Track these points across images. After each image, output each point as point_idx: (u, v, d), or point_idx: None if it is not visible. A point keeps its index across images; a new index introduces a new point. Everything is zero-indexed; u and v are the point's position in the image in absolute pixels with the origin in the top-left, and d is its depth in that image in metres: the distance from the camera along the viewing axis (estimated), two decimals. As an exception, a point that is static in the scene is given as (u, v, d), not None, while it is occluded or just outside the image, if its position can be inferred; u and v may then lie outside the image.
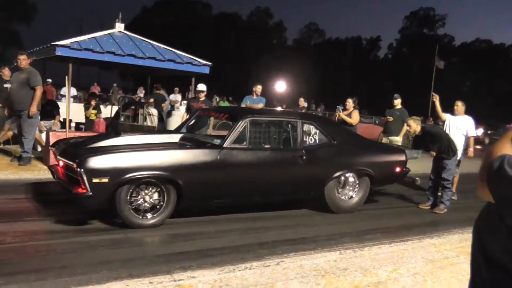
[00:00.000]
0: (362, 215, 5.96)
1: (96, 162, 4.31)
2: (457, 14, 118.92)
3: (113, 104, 13.60)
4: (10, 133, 8.45)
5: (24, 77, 7.34)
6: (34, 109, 7.28)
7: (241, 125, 5.17)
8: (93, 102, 10.62)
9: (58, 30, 68.15)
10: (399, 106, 9.16)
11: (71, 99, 13.03)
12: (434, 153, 6.54)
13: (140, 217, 4.56)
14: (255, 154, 5.27)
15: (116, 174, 4.33)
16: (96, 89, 20.45)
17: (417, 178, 6.69)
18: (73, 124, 9.72)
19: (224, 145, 4.98)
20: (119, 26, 9.77)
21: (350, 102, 8.58)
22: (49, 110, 9.23)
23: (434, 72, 30.02)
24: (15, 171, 7.00)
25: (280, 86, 27.55)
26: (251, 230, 4.93)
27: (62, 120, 9.80)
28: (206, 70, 9.96)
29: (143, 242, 4.28)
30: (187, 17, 55.20)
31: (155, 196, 4.63)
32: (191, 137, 5.64)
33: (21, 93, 7.33)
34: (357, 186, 5.99)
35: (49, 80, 15.92)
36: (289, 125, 5.78)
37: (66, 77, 8.71)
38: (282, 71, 37.78)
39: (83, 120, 10.67)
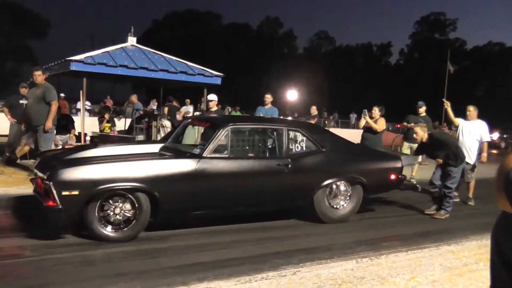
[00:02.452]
0: (376, 223, 5.91)
1: (66, 174, 4.22)
2: (468, 18, 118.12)
3: (127, 117, 13.72)
4: (26, 148, 8.57)
5: (40, 92, 7.46)
6: (49, 123, 7.38)
7: (222, 133, 5.03)
8: (106, 116, 10.75)
9: (70, 45, 69.28)
10: (423, 114, 9.16)
11: (86, 113, 13.18)
12: (441, 160, 6.42)
13: (112, 230, 4.41)
14: (237, 163, 5.09)
15: (87, 186, 4.21)
16: (109, 102, 20.69)
17: (417, 186, 6.56)
18: (88, 138, 9.84)
19: (203, 155, 4.83)
20: (132, 40, 9.92)
21: (376, 111, 8.59)
22: (64, 124, 9.37)
23: (446, 77, 29.79)
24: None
25: (292, 95, 27.59)
26: (264, 240, 4.90)
27: (77, 134, 9.93)
28: (218, 81, 10.04)
29: (157, 254, 4.28)
30: (197, 28, 55.70)
31: (129, 208, 4.47)
32: (173, 147, 5.53)
33: (37, 108, 7.44)
34: (349, 195, 5.78)
35: (62, 94, 16.14)
36: (274, 133, 5.58)
37: (81, 91, 8.85)
38: (293, 80, 37.88)
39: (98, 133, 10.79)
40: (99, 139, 10.06)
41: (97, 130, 10.82)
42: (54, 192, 4.12)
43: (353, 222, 5.87)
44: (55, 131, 7.97)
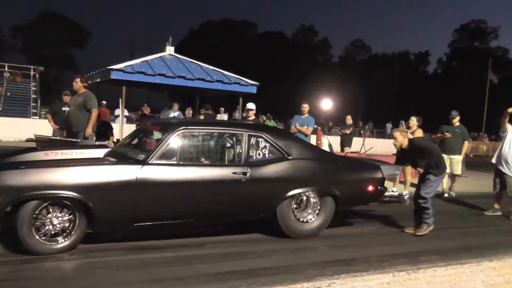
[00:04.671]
0: (415, 236, 5.76)
1: None
2: (511, 26, 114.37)
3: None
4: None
5: (81, 100, 7.70)
6: (89, 130, 7.60)
7: (171, 138, 4.64)
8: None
9: (109, 53, 71.42)
10: (458, 123, 8.95)
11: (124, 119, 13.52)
12: (421, 170, 5.79)
13: (46, 241, 4.11)
14: (186, 171, 4.65)
15: (9, 192, 3.91)
16: (146, 110, 21.17)
17: (406, 198, 5.95)
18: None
19: (147, 161, 4.46)
20: (169, 49, 10.13)
21: (413, 120, 8.44)
22: (104, 131, 9.62)
23: (488, 87, 28.89)
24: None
25: (326, 104, 27.36)
26: (300, 250, 4.86)
27: (115, 140, 10.18)
28: (253, 90, 10.11)
29: (193, 260, 4.32)
30: (233, 37, 56.30)
31: (65, 218, 4.19)
32: (120, 152, 5.10)
33: (78, 115, 7.68)
34: (318, 207, 5.31)
35: (104, 102, 16.64)
36: (232, 138, 5.10)
37: (120, 99, 9.10)
38: (327, 89, 37.57)
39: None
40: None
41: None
42: None
43: (391, 234, 5.76)
44: (94, 138, 8.19)
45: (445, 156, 9.01)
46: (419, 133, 8.33)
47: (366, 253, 4.89)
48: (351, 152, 12.37)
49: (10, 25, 54.25)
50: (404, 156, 6.02)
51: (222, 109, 18.91)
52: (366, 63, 61.22)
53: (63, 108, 9.31)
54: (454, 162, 9.00)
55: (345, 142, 13.00)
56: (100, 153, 5.22)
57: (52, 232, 4.15)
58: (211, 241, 4.97)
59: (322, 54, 63.68)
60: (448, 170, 9.07)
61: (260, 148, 5.07)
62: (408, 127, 8.41)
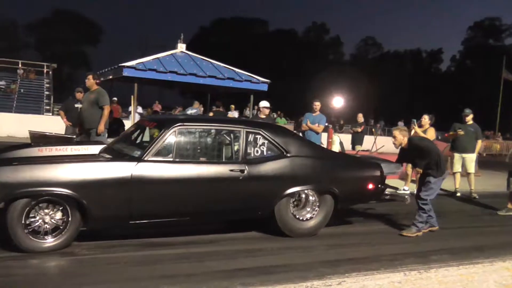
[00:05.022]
0: (427, 235, 5.71)
1: None
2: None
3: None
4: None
5: (93, 97, 7.77)
6: (102, 127, 7.66)
7: (167, 134, 4.57)
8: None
9: (121, 50, 71.88)
10: (471, 122, 8.84)
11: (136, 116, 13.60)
12: (420, 170, 5.72)
13: (37, 239, 4.04)
14: (182, 168, 4.56)
15: (1, 189, 3.87)
16: (157, 107, 21.25)
17: (406, 197, 5.90)
18: (137, 141, 10.13)
19: (143, 158, 4.39)
20: (181, 47, 10.17)
21: (426, 119, 8.37)
22: (116, 128, 9.69)
23: (501, 85, 28.54)
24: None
25: (337, 101, 27.25)
26: (311, 248, 4.86)
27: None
28: (265, 87, 10.12)
29: (205, 257, 4.34)
30: (244, 34, 56.31)
31: (58, 215, 4.12)
32: (115, 148, 5.03)
33: (91, 112, 7.75)
34: (317, 205, 5.23)
35: (115, 98, 16.74)
36: (230, 135, 4.99)
37: (132, 96, 9.15)
38: (339, 87, 37.43)
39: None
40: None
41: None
42: None
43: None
44: (107, 134, 8.26)
45: (457, 154, 8.93)
46: (432, 131, 8.26)
47: (377, 252, 4.87)
48: (362, 150, 12.31)
49: (24, 22, 54.73)
50: (404, 155, 5.94)
51: (233, 106, 18.95)
52: (377, 61, 60.83)
53: (76, 105, 9.41)
54: (468, 161, 8.90)
55: (357, 140, 12.94)
56: (95, 149, 5.16)
57: (44, 230, 4.07)
58: (223, 238, 4.99)
59: (334, 52, 63.44)
60: (460, 169, 8.99)
61: (258, 145, 5.00)
62: (420, 125, 8.34)
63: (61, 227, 4.13)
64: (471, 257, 4.87)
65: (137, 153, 4.55)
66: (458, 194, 9.02)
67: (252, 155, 4.94)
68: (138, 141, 5.24)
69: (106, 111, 7.74)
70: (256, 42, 55.35)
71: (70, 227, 4.14)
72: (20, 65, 27.17)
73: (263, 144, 5.02)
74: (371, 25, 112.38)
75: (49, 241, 4.09)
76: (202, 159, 4.82)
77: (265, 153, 5.02)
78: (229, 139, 5.02)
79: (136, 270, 3.88)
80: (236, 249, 4.65)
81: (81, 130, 8.31)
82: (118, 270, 3.86)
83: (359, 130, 12.95)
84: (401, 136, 5.69)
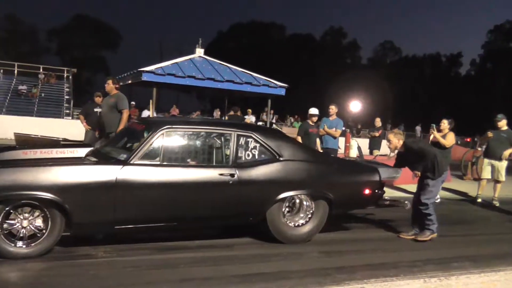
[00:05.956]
0: (448, 241, 5.63)
1: None
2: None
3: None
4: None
5: (113, 101, 7.87)
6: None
7: (154, 137, 4.43)
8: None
9: (139, 55, 72.79)
10: (505, 127, 8.58)
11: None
12: (418, 173, 5.62)
13: (13, 244, 3.91)
14: (170, 172, 4.44)
15: None
16: (175, 111, 21.40)
17: (406, 202, 5.76)
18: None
19: (129, 161, 4.27)
20: (199, 51, 10.25)
21: (445, 123, 8.23)
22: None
23: (523, 89, 27.97)
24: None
25: (355, 106, 27.10)
26: (328, 254, 4.84)
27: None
28: (282, 92, 10.12)
29: (222, 261, 4.34)
30: (261, 39, 56.45)
31: (39, 220, 4.00)
32: (103, 152, 4.93)
33: (110, 116, 7.85)
34: (311, 211, 5.09)
35: (133, 103, 16.93)
36: (221, 138, 4.82)
37: (151, 100, 9.24)
38: (356, 91, 37.23)
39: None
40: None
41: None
42: None
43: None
44: (126, 138, 8.35)
45: (487, 160, 8.69)
46: (451, 136, 8.13)
47: (396, 258, 4.80)
48: (380, 155, 12.21)
49: (46, 28, 55.89)
50: (402, 159, 5.81)
51: (250, 110, 18.94)
52: (396, 65, 60.29)
53: (95, 109, 9.52)
54: (499, 168, 8.59)
55: (374, 144, 12.84)
56: (82, 152, 5.00)
57: (21, 235, 3.96)
58: (240, 242, 4.98)
59: (351, 56, 63.10)
60: (489, 176, 8.74)
61: (249, 149, 4.85)
62: (439, 130, 8.23)
63: (38, 234, 3.99)
64: (493, 264, 4.77)
65: (123, 156, 4.42)
66: (479, 200, 8.85)
67: (243, 158, 4.82)
68: (128, 145, 5.03)
69: (125, 115, 7.82)
70: (274, 47, 55.43)
71: (52, 233, 4.01)
72: (41, 70, 27.71)
73: (254, 147, 4.89)
74: (389, 29, 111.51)
75: (29, 247, 3.96)
76: (191, 162, 4.68)
77: (256, 157, 4.88)
78: (219, 142, 4.85)
79: (154, 273, 3.90)
80: (252, 253, 4.65)
81: (101, 134, 8.42)
82: (137, 273, 3.88)
83: (377, 134, 12.84)
84: (396, 140, 5.57)
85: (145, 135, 4.54)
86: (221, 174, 4.61)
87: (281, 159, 4.93)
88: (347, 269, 4.29)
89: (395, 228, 6.13)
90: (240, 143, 4.82)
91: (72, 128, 14.65)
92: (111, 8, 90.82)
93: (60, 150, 4.95)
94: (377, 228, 6.15)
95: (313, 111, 8.46)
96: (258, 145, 4.89)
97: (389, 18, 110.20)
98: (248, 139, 4.87)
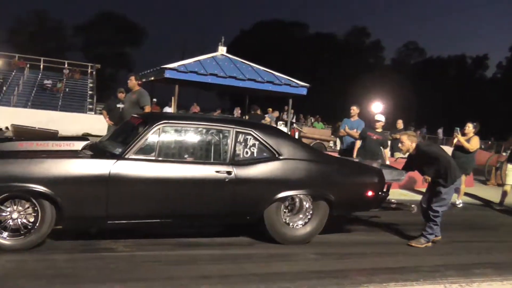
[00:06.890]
0: (470, 247, 5.54)
1: None
2: None
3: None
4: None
5: (135, 97, 7.97)
6: (143, 127, 7.84)
7: (150, 131, 4.37)
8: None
9: (161, 52, 73.51)
10: None
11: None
12: (429, 178, 5.41)
13: (7, 236, 3.92)
14: (164, 168, 4.36)
15: None
16: (196, 109, 21.53)
17: (413, 206, 5.58)
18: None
19: (124, 156, 4.22)
20: (222, 49, 10.28)
21: (470, 127, 8.08)
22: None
23: (551, 93, 27.25)
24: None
25: (377, 107, 26.82)
26: (348, 256, 4.81)
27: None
28: (304, 92, 10.08)
29: (241, 259, 4.36)
30: (284, 38, 56.29)
31: (29, 212, 3.99)
32: (99, 146, 4.87)
33: (132, 112, 7.89)
34: (310, 212, 4.97)
35: (154, 100, 17.09)
36: (218, 134, 4.72)
37: (173, 97, 9.32)
38: (379, 92, 36.79)
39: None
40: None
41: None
42: None
43: (445, 244, 5.52)
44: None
45: (510, 166, 8.50)
46: (476, 140, 7.98)
47: (417, 262, 4.75)
48: (401, 157, 12.04)
49: (71, 24, 56.88)
50: (412, 162, 5.63)
51: (270, 109, 18.91)
52: (419, 66, 59.39)
53: (118, 105, 9.66)
54: None
55: (396, 147, 12.65)
56: (79, 145, 4.87)
57: (11, 227, 3.95)
58: (257, 241, 4.97)
59: (374, 56, 62.40)
60: None
61: (248, 146, 4.74)
62: (464, 134, 8.08)
63: (33, 225, 3.99)
64: (516, 272, 4.67)
65: (118, 150, 4.37)
66: (500, 207, 8.65)
67: (241, 156, 4.71)
68: (126, 139, 4.82)
69: (147, 111, 7.91)
70: (296, 46, 55.23)
71: (42, 226, 3.98)
72: (66, 65, 28.24)
73: (253, 145, 4.77)
74: (413, 30, 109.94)
75: (18, 239, 3.95)
76: (187, 159, 4.60)
77: (255, 155, 4.78)
78: (217, 138, 4.74)
79: (174, 269, 3.94)
80: (271, 252, 4.64)
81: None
82: (157, 268, 3.92)
83: (398, 136, 12.67)
84: (409, 142, 5.36)
85: (140, 129, 4.49)
86: (217, 172, 4.53)
87: (280, 157, 4.82)
88: (367, 272, 4.26)
89: (415, 231, 6.06)
90: (238, 140, 4.72)
91: (95, 123, 14.87)
92: (136, 5, 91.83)
93: (57, 142, 4.88)
94: (398, 232, 6.07)
95: (379, 117, 8.19)
96: (257, 142, 4.79)
97: (413, 19, 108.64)
98: (247, 137, 4.77)
